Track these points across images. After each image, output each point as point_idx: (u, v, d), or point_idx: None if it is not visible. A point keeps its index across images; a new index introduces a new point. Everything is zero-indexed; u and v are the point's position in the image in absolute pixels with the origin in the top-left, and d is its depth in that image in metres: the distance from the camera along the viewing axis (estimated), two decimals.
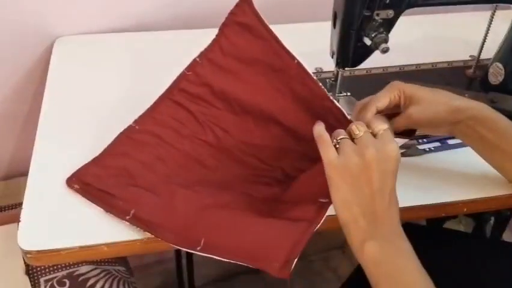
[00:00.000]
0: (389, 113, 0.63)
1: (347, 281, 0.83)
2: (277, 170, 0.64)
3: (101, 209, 0.61)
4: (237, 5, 0.65)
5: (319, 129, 0.55)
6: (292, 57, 0.63)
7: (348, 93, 0.80)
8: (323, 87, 0.62)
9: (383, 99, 0.62)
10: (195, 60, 0.67)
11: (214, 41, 0.66)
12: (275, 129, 0.65)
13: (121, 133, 0.66)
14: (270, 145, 0.65)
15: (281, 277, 0.51)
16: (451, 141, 0.74)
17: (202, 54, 0.66)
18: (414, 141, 0.73)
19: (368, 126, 0.55)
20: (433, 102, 0.61)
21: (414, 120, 0.61)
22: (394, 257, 0.50)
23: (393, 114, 0.63)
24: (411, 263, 0.50)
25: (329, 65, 0.76)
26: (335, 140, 0.54)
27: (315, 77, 0.62)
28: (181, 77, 0.67)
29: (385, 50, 0.66)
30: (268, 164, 0.65)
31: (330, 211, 0.62)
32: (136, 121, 0.67)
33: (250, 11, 0.64)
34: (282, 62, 0.64)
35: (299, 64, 0.62)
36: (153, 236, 0.58)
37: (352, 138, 0.54)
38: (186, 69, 0.67)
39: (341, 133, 0.54)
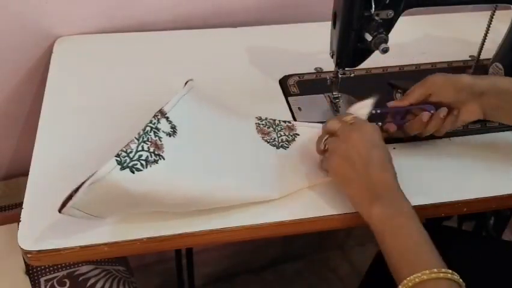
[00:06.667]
0: None
1: (365, 276, 0.85)
2: None
3: None
4: None
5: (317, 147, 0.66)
6: None
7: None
8: None
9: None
10: None
11: None
12: None
13: None
14: None
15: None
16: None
17: None
18: None
19: (341, 121, 0.65)
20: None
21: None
22: (395, 216, 0.57)
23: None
24: (410, 222, 0.57)
25: (329, 65, 0.76)
26: (322, 145, 0.64)
27: None
28: None
29: (385, 50, 0.67)
30: None
31: (331, 212, 0.64)
32: None
33: None
34: None
35: None
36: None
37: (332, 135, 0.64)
38: None
39: (323, 136, 0.65)
